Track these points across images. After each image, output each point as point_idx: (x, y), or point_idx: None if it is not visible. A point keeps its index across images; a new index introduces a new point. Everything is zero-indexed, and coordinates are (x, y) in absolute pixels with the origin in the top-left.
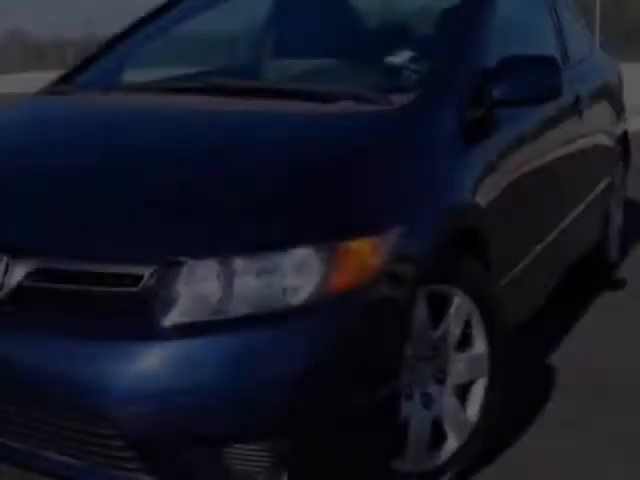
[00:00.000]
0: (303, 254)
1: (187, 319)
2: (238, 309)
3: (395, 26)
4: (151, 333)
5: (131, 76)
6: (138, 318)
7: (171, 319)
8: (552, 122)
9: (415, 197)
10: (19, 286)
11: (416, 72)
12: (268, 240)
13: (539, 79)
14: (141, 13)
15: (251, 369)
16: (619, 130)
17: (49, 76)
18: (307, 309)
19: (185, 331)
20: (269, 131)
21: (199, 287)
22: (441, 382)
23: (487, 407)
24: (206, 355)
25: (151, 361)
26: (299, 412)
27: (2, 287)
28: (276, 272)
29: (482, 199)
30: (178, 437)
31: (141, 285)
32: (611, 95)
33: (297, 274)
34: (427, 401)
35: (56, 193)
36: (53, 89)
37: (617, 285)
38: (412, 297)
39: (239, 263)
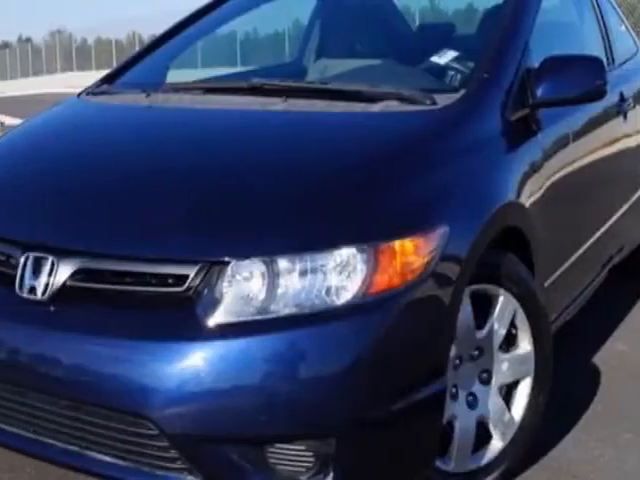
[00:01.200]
0: (346, 254)
1: (231, 319)
2: (281, 309)
3: (439, 26)
4: (195, 333)
5: (174, 77)
6: (182, 318)
7: (215, 319)
8: (596, 122)
9: (459, 197)
10: (64, 286)
11: (460, 72)
12: (312, 240)
13: (583, 79)
14: (185, 14)
15: (294, 369)
16: None
17: (92, 76)
18: (350, 309)
19: (229, 331)
20: (313, 131)
21: (243, 287)
22: (486, 382)
23: (532, 407)
24: (249, 355)
25: (195, 361)
26: (343, 412)
27: (48, 287)
28: (319, 272)
29: (526, 199)
30: (221, 437)
31: (186, 285)
32: None
33: (340, 274)
34: (472, 401)
35: (100, 194)
36: (96, 89)
37: None
38: (456, 297)
39: (283, 263)
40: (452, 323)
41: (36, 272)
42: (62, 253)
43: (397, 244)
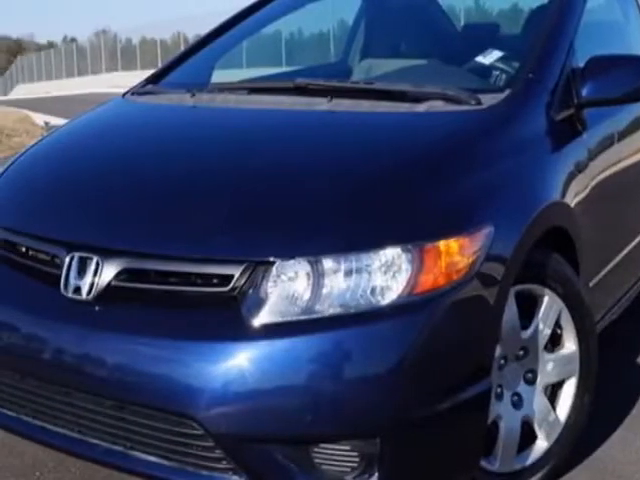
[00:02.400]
0: (392, 254)
1: (276, 319)
2: (326, 309)
3: (483, 26)
4: (240, 333)
5: (219, 77)
6: (227, 318)
7: (260, 319)
8: None
9: (504, 197)
10: (109, 286)
11: (505, 72)
12: (357, 240)
13: (628, 79)
14: (229, 15)
15: (339, 369)
16: None
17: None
18: (395, 309)
19: (274, 331)
20: (358, 131)
21: (288, 287)
22: (531, 382)
23: (577, 407)
24: (294, 355)
25: (239, 361)
26: (388, 412)
27: (93, 287)
28: (364, 272)
29: (571, 199)
30: (266, 437)
31: (230, 285)
32: None
33: (385, 274)
34: (517, 401)
35: (145, 194)
36: (141, 89)
37: None
38: (501, 297)
39: (328, 263)
40: (497, 323)
41: (81, 272)
42: (107, 253)
43: (442, 244)
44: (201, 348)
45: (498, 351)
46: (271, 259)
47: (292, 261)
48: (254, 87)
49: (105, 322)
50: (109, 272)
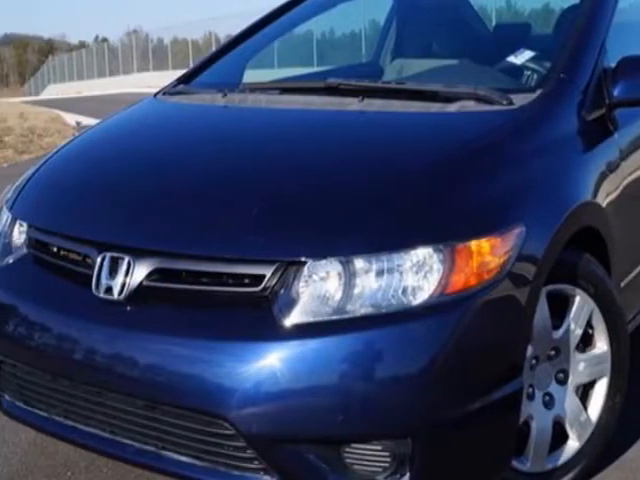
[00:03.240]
0: (423, 254)
1: (307, 319)
2: (358, 309)
3: (515, 26)
4: (271, 333)
5: (251, 77)
6: (259, 318)
7: (291, 319)
8: None
9: (536, 197)
10: (140, 286)
11: (536, 72)
12: (388, 240)
13: None
14: (261, 14)
15: (371, 369)
16: None
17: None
18: (427, 309)
19: (305, 331)
20: (389, 131)
21: (319, 287)
22: (562, 382)
23: (608, 407)
24: (326, 355)
25: (271, 361)
26: (420, 413)
27: (124, 287)
28: (396, 272)
29: (603, 199)
30: (297, 437)
31: (262, 285)
32: None
33: (417, 274)
34: (548, 401)
35: (176, 194)
36: (173, 89)
37: None
38: (533, 297)
39: (359, 263)
40: (528, 323)
41: (112, 272)
42: (138, 253)
43: (474, 244)
44: (233, 348)
45: (530, 351)
46: (303, 259)
47: (324, 261)
48: (285, 87)
49: (136, 322)
50: (140, 272)
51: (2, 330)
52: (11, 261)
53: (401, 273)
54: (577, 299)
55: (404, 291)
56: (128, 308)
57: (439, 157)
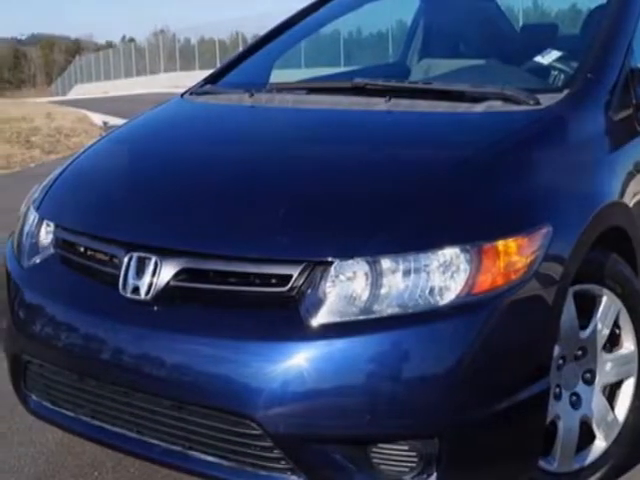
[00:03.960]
0: (450, 254)
1: (334, 319)
2: (385, 309)
3: (542, 26)
4: (298, 333)
5: (278, 77)
6: (286, 318)
7: (318, 319)
8: None
9: (563, 197)
10: (167, 286)
11: (563, 72)
12: (415, 240)
13: None
14: (288, 14)
15: (398, 370)
16: None
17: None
18: (454, 309)
19: (332, 331)
20: (416, 131)
21: (346, 287)
22: (589, 382)
23: (636, 407)
24: (353, 355)
25: (298, 361)
26: (447, 412)
27: (151, 287)
28: (423, 272)
29: (630, 199)
30: (324, 437)
31: (289, 285)
32: None
33: (444, 274)
34: (575, 401)
35: (203, 194)
36: (200, 89)
37: None
38: (560, 297)
39: (386, 263)
40: (555, 323)
41: (139, 272)
42: (166, 253)
43: (500, 244)
44: (260, 348)
45: (556, 351)
46: (329, 259)
47: (351, 261)
48: (312, 87)
49: (163, 322)
50: (168, 272)
51: (29, 330)
52: (38, 261)
53: (428, 273)
54: (604, 299)
55: (431, 291)
56: (155, 308)
57: (466, 157)
